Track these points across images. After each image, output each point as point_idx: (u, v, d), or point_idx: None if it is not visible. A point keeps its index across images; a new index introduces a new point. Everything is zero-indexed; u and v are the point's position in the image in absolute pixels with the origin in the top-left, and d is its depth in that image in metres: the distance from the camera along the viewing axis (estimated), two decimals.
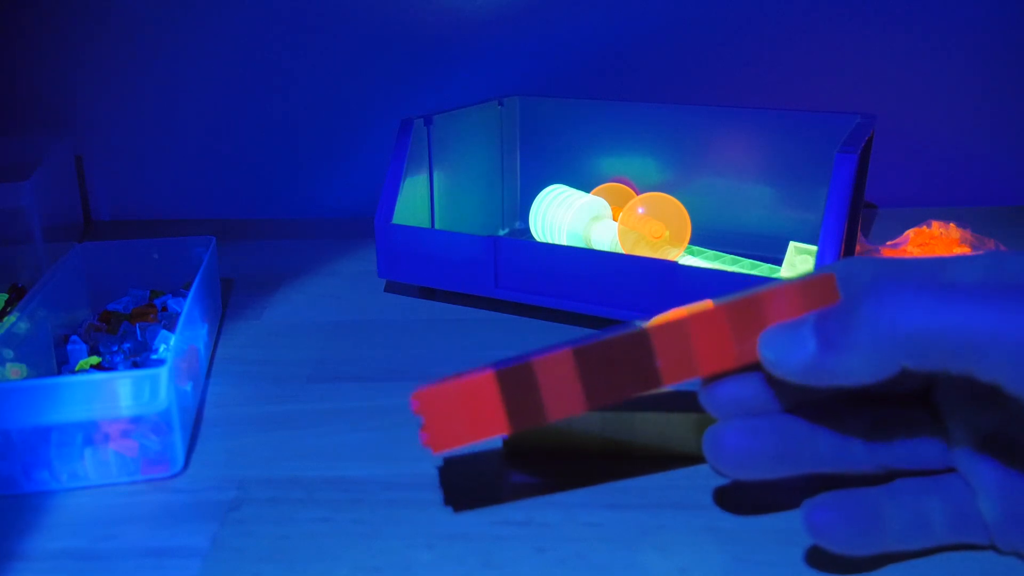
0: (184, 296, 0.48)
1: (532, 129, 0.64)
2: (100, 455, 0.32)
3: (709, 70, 0.68)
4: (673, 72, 0.69)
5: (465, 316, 0.49)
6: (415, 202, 0.53)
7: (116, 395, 0.31)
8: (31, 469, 0.32)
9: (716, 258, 0.55)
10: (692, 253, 0.56)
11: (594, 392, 0.27)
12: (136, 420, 0.32)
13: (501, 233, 0.65)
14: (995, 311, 0.22)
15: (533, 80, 0.69)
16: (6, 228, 0.53)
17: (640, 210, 0.54)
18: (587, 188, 0.60)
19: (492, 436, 0.27)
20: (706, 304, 0.27)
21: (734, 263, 0.54)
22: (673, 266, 0.43)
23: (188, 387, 0.37)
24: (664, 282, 0.43)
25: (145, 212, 0.73)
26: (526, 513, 0.30)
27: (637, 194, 0.59)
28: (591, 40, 0.68)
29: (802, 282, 0.27)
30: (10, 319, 0.36)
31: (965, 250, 0.54)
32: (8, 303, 0.48)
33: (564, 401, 0.27)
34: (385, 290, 0.54)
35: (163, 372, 0.31)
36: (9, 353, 0.35)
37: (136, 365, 0.41)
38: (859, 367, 0.24)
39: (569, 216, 0.56)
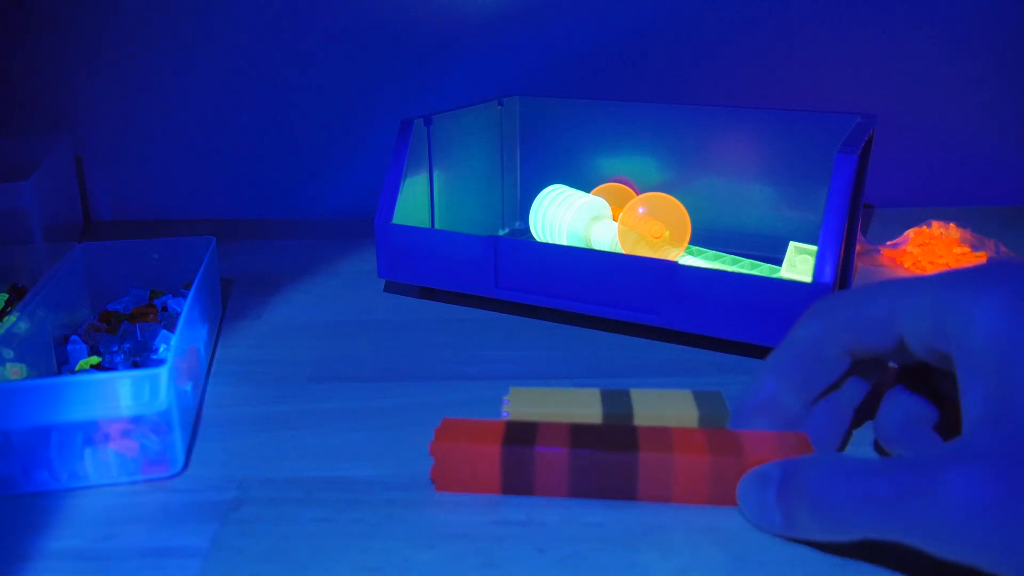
0: (184, 296, 0.48)
1: (532, 129, 0.64)
2: (100, 455, 0.32)
3: (709, 70, 0.68)
4: (673, 72, 0.69)
5: (465, 316, 0.49)
6: (415, 202, 0.53)
7: (116, 395, 0.31)
8: (31, 469, 0.32)
9: (716, 258, 0.55)
10: (692, 253, 0.56)
11: (577, 487, 0.31)
12: (136, 420, 0.32)
13: (501, 233, 0.65)
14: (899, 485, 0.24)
15: (533, 80, 0.69)
16: (6, 228, 0.53)
17: (640, 210, 0.54)
18: (587, 188, 0.60)
19: (486, 492, 0.31)
20: (694, 435, 0.31)
21: (734, 263, 0.54)
22: (673, 266, 0.43)
23: (188, 387, 0.37)
24: (664, 282, 0.43)
25: (145, 212, 0.73)
26: (526, 513, 0.30)
27: (637, 194, 0.59)
28: (591, 40, 0.68)
29: (780, 442, 0.30)
30: (10, 319, 0.36)
31: (965, 250, 0.54)
32: (8, 303, 0.48)
33: (551, 486, 0.31)
34: (385, 290, 0.54)
35: (163, 372, 0.31)
36: (9, 353, 0.35)
37: (136, 365, 0.41)
38: (824, 540, 0.27)
39: (569, 216, 0.56)
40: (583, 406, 0.34)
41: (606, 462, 0.30)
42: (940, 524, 0.23)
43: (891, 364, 0.33)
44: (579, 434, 0.31)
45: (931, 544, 0.24)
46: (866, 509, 0.25)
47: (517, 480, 0.31)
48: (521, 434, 0.31)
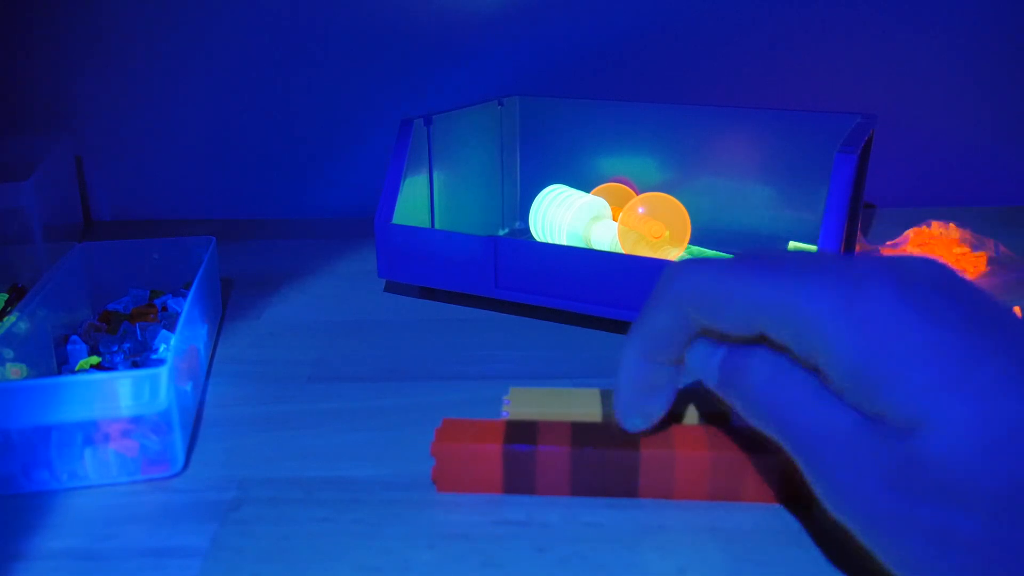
0: (184, 296, 0.48)
1: (532, 129, 0.64)
2: (100, 455, 0.32)
3: (709, 70, 0.68)
4: (673, 72, 0.69)
5: (465, 316, 0.49)
6: (415, 202, 0.53)
7: (116, 395, 0.31)
8: (31, 469, 0.32)
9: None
10: (692, 253, 0.56)
11: (579, 485, 0.31)
12: (136, 420, 0.32)
13: (501, 233, 0.65)
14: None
15: (533, 80, 0.69)
16: (6, 228, 0.53)
17: (640, 210, 0.54)
18: (587, 188, 0.60)
19: (488, 492, 0.31)
20: (693, 431, 0.31)
21: None
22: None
23: (188, 387, 0.37)
24: None
25: (145, 212, 0.73)
26: (526, 513, 0.30)
27: (637, 194, 0.59)
28: (591, 40, 0.68)
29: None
30: (10, 319, 0.36)
31: (965, 250, 0.54)
32: (8, 303, 0.48)
33: (552, 485, 0.31)
34: (385, 290, 0.54)
35: (163, 372, 0.31)
36: (9, 353, 0.35)
37: (136, 365, 0.41)
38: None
39: (569, 216, 0.56)
40: (583, 406, 0.34)
41: (608, 460, 0.30)
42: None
43: None
44: (580, 432, 0.31)
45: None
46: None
47: (519, 479, 0.31)
48: (522, 433, 0.31)
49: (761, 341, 0.27)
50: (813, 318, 0.24)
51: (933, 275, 0.24)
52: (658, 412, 0.30)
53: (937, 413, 0.22)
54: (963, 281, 0.24)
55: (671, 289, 0.28)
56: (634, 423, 0.30)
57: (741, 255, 0.27)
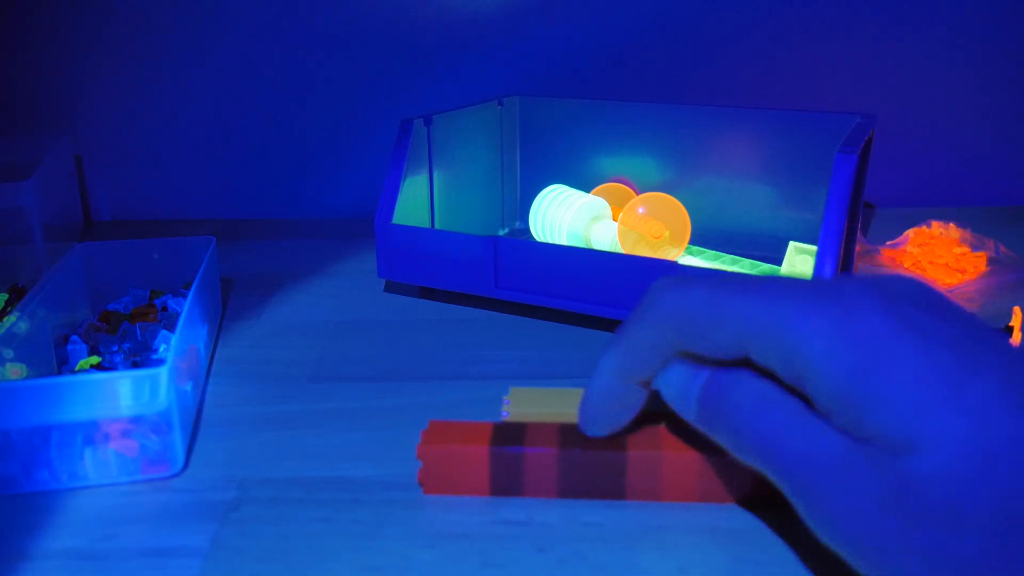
0: (184, 296, 0.48)
1: (532, 129, 0.64)
2: (100, 455, 0.32)
3: (709, 70, 0.68)
4: (673, 72, 0.69)
5: (465, 316, 0.49)
6: (415, 202, 0.53)
7: (116, 395, 0.31)
8: (31, 469, 0.32)
9: (716, 258, 0.55)
10: (692, 253, 0.56)
11: (566, 487, 0.31)
12: (136, 420, 0.32)
13: (501, 233, 0.65)
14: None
15: (533, 80, 0.69)
16: (6, 228, 0.53)
17: (640, 210, 0.54)
18: (587, 188, 0.60)
19: (475, 495, 0.31)
20: (682, 432, 0.30)
21: (734, 263, 0.54)
22: (673, 266, 0.43)
23: (188, 387, 0.37)
24: None
25: (145, 212, 0.73)
26: (526, 513, 0.30)
27: (637, 194, 0.59)
28: (591, 40, 0.68)
29: None
30: (10, 319, 0.36)
31: (965, 250, 0.54)
32: (8, 303, 0.48)
33: (540, 487, 0.31)
34: (385, 290, 0.54)
35: (163, 372, 0.31)
36: (9, 353, 0.35)
37: (136, 365, 0.41)
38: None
39: (569, 216, 0.56)
40: None
41: (595, 461, 0.30)
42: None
43: None
44: (567, 434, 0.31)
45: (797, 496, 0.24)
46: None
47: (506, 482, 0.31)
48: (509, 435, 0.31)
49: (744, 365, 0.26)
50: (802, 339, 0.23)
51: (917, 294, 0.24)
52: (619, 425, 0.30)
53: (928, 433, 0.21)
54: (946, 299, 0.24)
55: (656, 307, 0.27)
56: (594, 432, 0.30)
57: (724, 276, 0.27)
